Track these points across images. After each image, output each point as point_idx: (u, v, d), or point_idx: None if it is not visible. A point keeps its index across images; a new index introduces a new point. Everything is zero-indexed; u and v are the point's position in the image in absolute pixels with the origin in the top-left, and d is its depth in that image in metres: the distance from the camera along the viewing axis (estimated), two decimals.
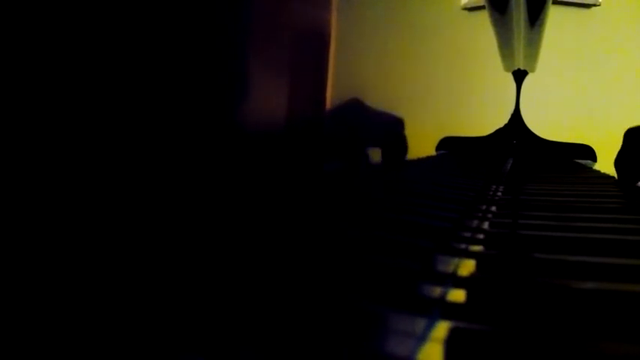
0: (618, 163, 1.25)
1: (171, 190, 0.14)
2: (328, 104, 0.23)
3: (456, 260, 0.52)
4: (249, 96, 0.17)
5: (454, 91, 0.62)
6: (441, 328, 0.37)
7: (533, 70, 1.89)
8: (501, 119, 1.56)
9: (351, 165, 0.26)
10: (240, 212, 0.17)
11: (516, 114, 1.83)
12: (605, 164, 1.47)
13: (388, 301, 0.31)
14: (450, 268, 0.50)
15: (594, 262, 0.51)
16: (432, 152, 0.48)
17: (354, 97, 0.25)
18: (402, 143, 0.35)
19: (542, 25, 1.70)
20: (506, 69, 1.59)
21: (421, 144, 0.44)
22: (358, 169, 0.28)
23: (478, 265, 0.52)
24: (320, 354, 0.22)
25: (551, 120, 1.95)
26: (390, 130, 0.32)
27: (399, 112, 0.33)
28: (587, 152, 1.86)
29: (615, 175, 1.31)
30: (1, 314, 0.10)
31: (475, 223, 0.70)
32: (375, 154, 0.30)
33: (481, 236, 0.64)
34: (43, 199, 0.11)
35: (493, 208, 0.83)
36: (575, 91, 2.01)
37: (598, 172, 1.56)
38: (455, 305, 0.43)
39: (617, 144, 1.26)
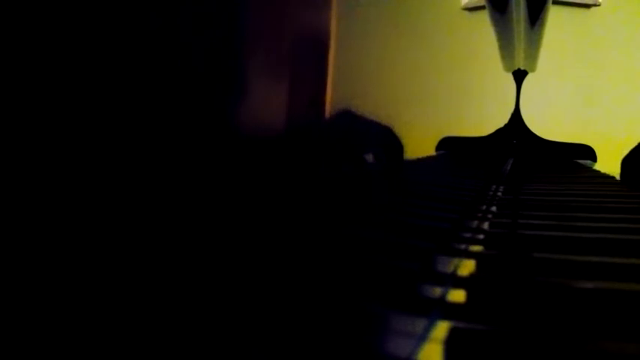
0: (627, 161, 1.25)
1: (172, 192, 0.14)
2: (328, 106, 0.23)
3: (456, 260, 0.52)
4: (247, 98, 0.17)
5: (454, 91, 0.62)
6: (441, 328, 0.37)
7: (533, 70, 1.89)
8: (501, 119, 1.56)
9: (350, 170, 0.26)
10: (239, 214, 0.17)
11: (516, 114, 1.83)
12: (605, 164, 1.47)
13: (388, 301, 0.31)
14: (450, 269, 0.50)
15: (594, 262, 0.51)
16: (432, 152, 0.48)
17: (344, 108, 0.25)
18: (394, 151, 0.35)
19: (542, 25, 1.70)
20: (506, 69, 1.59)
21: (421, 144, 0.44)
22: (357, 171, 0.28)
23: (478, 265, 0.52)
24: (320, 354, 0.22)
25: (551, 120, 1.95)
26: (379, 140, 0.32)
27: (388, 120, 0.33)
28: (587, 152, 1.86)
29: (616, 176, 1.31)
30: (1, 314, 0.10)
31: (475, 223, 0.70)
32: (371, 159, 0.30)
33: (481, 236, 0.64)
34: (43, 199, 0.11)
35: (493, 208, 0.83)
36: (575, 90, 2.01)
37: (598, 172, 1.56)
38: (455, 305, 0.43)
39: (617, 144, 1.26)
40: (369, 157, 0.29)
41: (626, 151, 1.27)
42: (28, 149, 0.11)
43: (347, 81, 0.25)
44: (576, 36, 2.02)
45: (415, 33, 0.40)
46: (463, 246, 0.58)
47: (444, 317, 0.38)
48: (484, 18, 0.86)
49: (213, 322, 0.16)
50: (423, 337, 0.36)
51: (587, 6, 2.01)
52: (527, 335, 0.35)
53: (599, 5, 2.01)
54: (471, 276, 0.50)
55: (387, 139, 0.33)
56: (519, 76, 1.83)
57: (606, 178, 1.37)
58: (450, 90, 0.59)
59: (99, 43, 0.12)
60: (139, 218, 0.13)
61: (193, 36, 0.15)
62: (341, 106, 0.24)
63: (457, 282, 0.47)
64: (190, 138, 0.15)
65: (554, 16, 1.81)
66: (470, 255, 0.55)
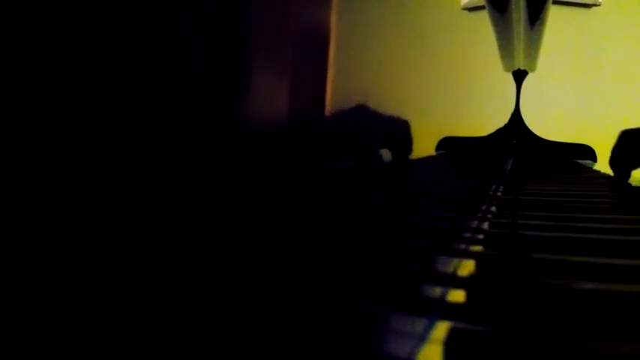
0: (612, 161, 1.27)
1: (173, 189, 0.14)
2: (328, 105, 0.23)
3: (455, 260, 0.52)
4: (250, 95, 0.17)
5: (454, 91, 0.62)
6: (441, 329, 0.37)
7: (533, 70, 1.89)
8: (501, 119, 1.56)
9: (358, 166, 0.26)
10: (241, 210, 0.17)
11: (516, 114, 1.83)
12: (606, 164, 1.47)
13: (388, 301, 0.31)
14: (450, 269, 0.50)
15: (594, 263, 0.51)
16: (432, 152, 0.48)
17: (360, 103, 0.25)
18: (407, 145, 0.35)
19: (542, 25, 1.70)
20: (506, 69, 1.59)
21: (421, 144, 0.44)
22: (360, 168, 0.28)
23: (478, 266, 0.52)
24: (320, 354, 0.22)
25: (551, 120, 1.95)
26: (397, 132, 0.32)
27: (404, 115, 0.33)
28: (587, 152, 1.85)
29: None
30: (1, 314, 0.10)
31: (475, 223, 0.70)
32: (384, 154, 0.30)
33: (481, 236, 0.64)
34: (43, 199, 0.11)
35: (493, 209, 0.83)
36: (575, 90, 2.01)
37: (598, 172, 1.56)
38: (455, 305, 0.43)
39: None
40: (378, 153, 0.29)
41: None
42: (37, 148, 0.11)
43: (347, 81, 0.25)
44: (576, 36, 2.02)
45: (415, 33, 0.40)
46: (463, 246, 0.58)
47: (444, 317, 0.38)
48: (484, 18, 0.86)
49: (213, 322, 0.16)
50: (422, 337, 0.36)
51: (587, 6, 2.01)
52: (526, 336, 0.35)
53: (599, 5, 2.01)
54: (471, 276, 0.50)
55: (401, 134, 0.33)
56: (519, 76, 1.83)
57: (605, 178, 1.37)
58: (450, 90, 0.59)
59: (106, 37, 0.12)
60: (141, 212, 0.13)
61: (197, 34, 0.15)
62: (341, 105, 0.24)
63: (457, 282, 0.47)
64: (194, 134, 0.15)
65: (554, 16, 1.81)
66: (470, 255, 0.55)
